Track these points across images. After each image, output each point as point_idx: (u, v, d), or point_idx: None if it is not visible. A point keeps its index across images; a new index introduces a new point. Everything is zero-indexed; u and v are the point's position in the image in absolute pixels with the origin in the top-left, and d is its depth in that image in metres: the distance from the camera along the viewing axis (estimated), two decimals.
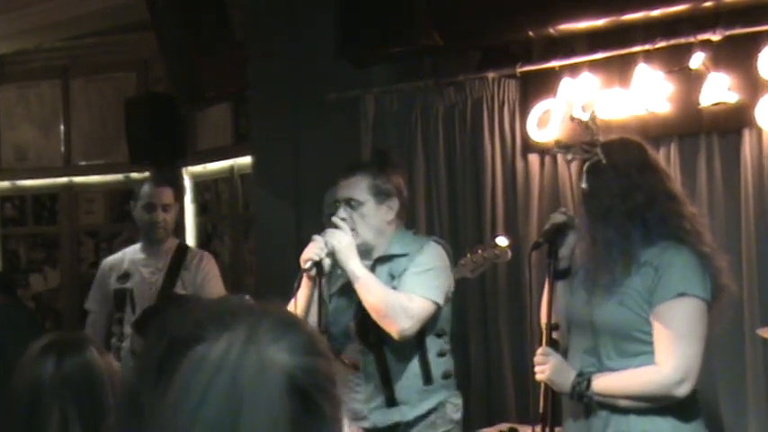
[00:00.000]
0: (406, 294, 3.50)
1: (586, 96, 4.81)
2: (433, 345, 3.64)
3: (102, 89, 7.73)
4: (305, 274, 3.52)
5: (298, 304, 3.55)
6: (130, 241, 7.30)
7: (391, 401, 3.62)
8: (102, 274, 5.14)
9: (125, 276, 5.03)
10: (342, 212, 3.61)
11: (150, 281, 4.98)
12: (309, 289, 3.54)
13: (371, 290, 3.50)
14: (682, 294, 2.95)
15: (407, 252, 3.61)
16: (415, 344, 3.60)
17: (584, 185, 3.13)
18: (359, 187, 3.63)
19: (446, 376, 3.69)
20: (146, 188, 5.08)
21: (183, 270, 4.97)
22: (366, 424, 3.63)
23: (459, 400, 3.75)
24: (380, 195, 3.62)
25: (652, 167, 3.11)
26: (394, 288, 3.55)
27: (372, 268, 3.63)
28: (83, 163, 7.78)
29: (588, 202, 3.13)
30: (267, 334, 1.20)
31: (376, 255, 3.65)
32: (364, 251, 3.62)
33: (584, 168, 3.13)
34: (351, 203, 3.61)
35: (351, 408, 3.70)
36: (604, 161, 3.07)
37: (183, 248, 5.12)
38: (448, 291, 3.65)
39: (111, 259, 5.21)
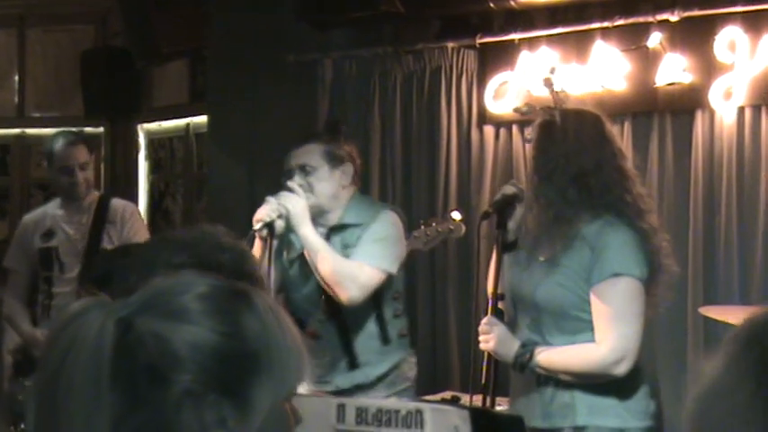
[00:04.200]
0: (357, 263, 3.56)
1: (546, 69, 4.84)
2: (389, 307, 3.73)
3: (59, 41, 7.61)
4: (257, 235, 3.52)
5: None
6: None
7: (353, 364, 3.70)
8: (23, 232, 4.99)
9: (49, 234, 4.88)
10: (297, 179, 3.62)
11: (75, 237, 4.84)
12: (262, 250, 3.54)
13: (323, 257, 3.54)
14: (617, 275, 2.97)
15: (361, 222, 3.65)
16: (372, 306, 3.67)
17: (533, 137, 3.14)
18: (313, 154, 3.66)
19: (402, 335, 3.79)
20: (59, 150, 4.83)
21: (108, 224, 4.84)
22: (330, 387, 3.69)
23: (413, 359, 3.86)
24: (334, 161, 3.66)
25: (606, 140, 3.11)
26: (346, 257, 3.59)
27: (327, 237, 3.66)
28: (36, 114, 7.67)
29: (536, 159, 3.15)
30: None
31: (330, 222, 3.68)
32: (318, 215, 3.64)
33: (538, 123, 3.14)
34: (305, 169, 3.63)
35: (313, 373, 3.75)
36: (558, 123, 3.09)
37: (104, 202, 4.96)
38: (402, 257, 3.72)
39: (31, 216, 5.05)
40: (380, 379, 3.71)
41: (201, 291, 1.22)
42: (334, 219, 3.69)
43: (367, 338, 3.70)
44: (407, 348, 3.84)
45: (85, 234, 4.84)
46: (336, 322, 3.67)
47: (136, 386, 1.15)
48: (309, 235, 3.53)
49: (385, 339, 3.71)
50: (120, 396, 1.14)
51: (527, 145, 4.96)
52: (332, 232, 3.68)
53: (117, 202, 5.01)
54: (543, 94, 4.56)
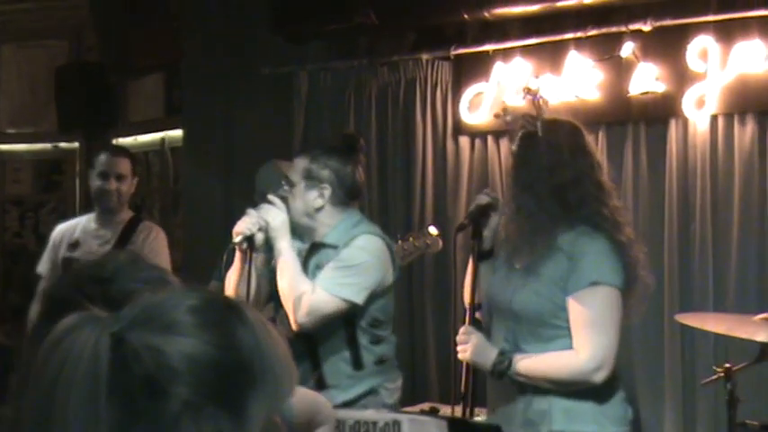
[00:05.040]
0: (313, 286, 3.44)
1: (521, 80, 4.87)
2: (366, 333, 3.58)
3: (33, 56, 7.59)
4: (237, 248, 3.50)
5: (230, 278, 3.53)
6: (55, 211, 7.24)
7: (321, 384, 3.58)
8: (54, 240, 5.03)
9: (75, 245, 4.93)
10: (282, 190, 3.60)
11: (97, 252, 4.78)
12: (242, 263, 3.52)
13: (285, 273, 3.46)
14: (595, 283, 3.00)
15: (338, 244, 3.54)
16: (344, 330, 3.56)
17: (514, 149, 3.16)
18: (296, 168, 3.60)
19: (380, 362, 3.62)
20: (102, 157, 4.97)
21: (130, 244, 4.86)
22: None
23: (395, 384, 3.70)
24: (312, 180, 3.55)
25: (585, 153, 3.14)
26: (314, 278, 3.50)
27: (308, 254, 3.61)
28: (11, 131, 7.65)
29: (517, 169, 3.16)
30: None
31: (314, 239, 3.60)
32: (298, 230, 3.59)
33: (519, 135, 3.15)
34: (288, 182, 3.60)
35: None
36: (540, 134, 3.11)
37: (134, 222, 5.01)
38: (377, 286, 3.52)
39: (64, 226, 5.08)
40: (348, 404, 3.52)
41: (193, 304, 1.21)
42: (318, 236, 3.60)
43: (338, 361, 3.57)
44: (388, 374, 3.67)
45: (108, 251, 4.86)
46: (306, 340, 3.56)
47: (133, 400, 1.14)
48: (284, 250, 3.47)
49: (357, 365, 3.57)
50: (117, 411, 1.13)
51: (503, 153, 5.01)
52: (312, 250, 3.61)
53: (144, 225, 5.05)
54: (518, 103, 4.62)
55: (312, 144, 4.20)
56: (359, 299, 3.48)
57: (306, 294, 3.42)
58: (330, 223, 3.58)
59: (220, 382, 1.19)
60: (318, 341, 3.58)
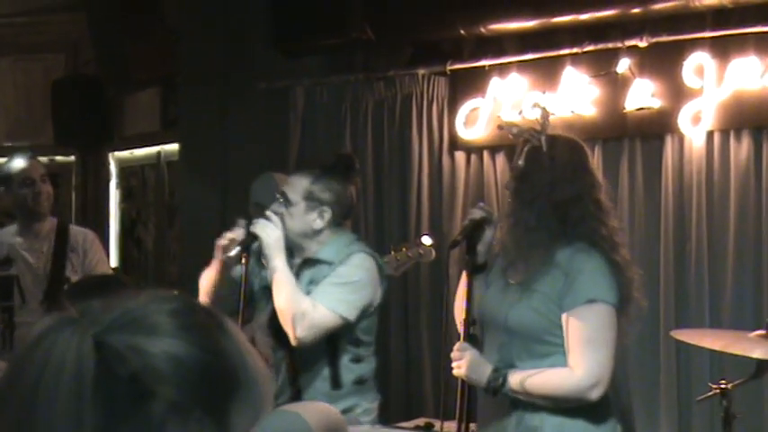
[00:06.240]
0: (313, 302, 3.44)
1: (517, 96, 4.87)
2: (347, 352, 3.58)
3: (30, 70, 7.60)
4: (225, 251, 3.50)
5: (202, 285, 3.54)
6: None
7: (297, 400, 3.55)
8: None
9: (7, 262, 4.74)
10: (277, 206, 3.59)
11: (36, 266, 4.74)
12: (216, 272, 3.55)
13: (282, 289, 3.45)
14: (592, 301, 3.00)
15: (333, 261, 3.55)
16: (325, 348, 3.55)
17: (520, 162, 3.15)
18: (296, 187, 3.58)
19: (359, 382, 3.61)
20: (17, 165, 4.78)
21: (71, 252, 4.74)
22: None
23: (372, 404, 3.68)
24: (313, 201, 3.55)
25: (587, 172, 3.14)
26: (309, 293, 3.50)
27: (299, 269, 3.60)
28: (7, 144, 7.64)
29: (519, 184, 3.15)
30: None
31: (306, 255, 3.60)
32: (287, 247, 3.60)
33: (525, 149, 3.14)
34: (284, 199, 3.60)
35: None
36: (545, 149, 3.10)
37: (64, 229, 4.84)
38: (368, 305, 3.55)
39: None
40: None
41: (173, 307, 1.19)
42: (310, 252, 3.60)
43: (316, 378, 3.57)
44: (366, 394, 3.65)
45: (47, 263, 4.74)
46: (286, 352, 3.57)
47: (117, 403, 1.12)
48: (279, 266, 3.46)
49: (336, 384, 3.56)
50: (101, 415, 1.11)
51: (498, 169, 5.01)
52: (304, 265, 3.61)
53: (76, 230, 4.92)
54: (514, 118, 4.62)
55: (310, 163, 4.19)
56: (351, 316, 3.49)
57: (307, 310, 3.42)
58: (323, 240, 3.59)
59: (206, 385, 1.16)
60: (299, 358, 3.58)
